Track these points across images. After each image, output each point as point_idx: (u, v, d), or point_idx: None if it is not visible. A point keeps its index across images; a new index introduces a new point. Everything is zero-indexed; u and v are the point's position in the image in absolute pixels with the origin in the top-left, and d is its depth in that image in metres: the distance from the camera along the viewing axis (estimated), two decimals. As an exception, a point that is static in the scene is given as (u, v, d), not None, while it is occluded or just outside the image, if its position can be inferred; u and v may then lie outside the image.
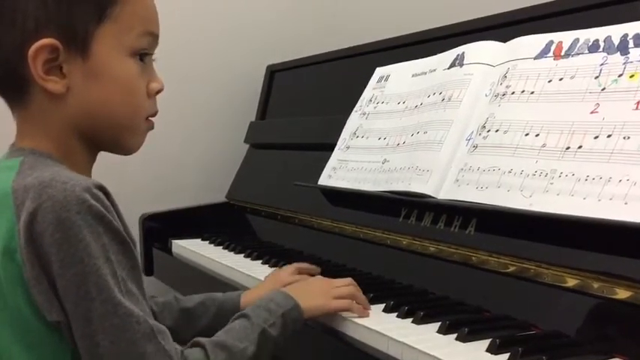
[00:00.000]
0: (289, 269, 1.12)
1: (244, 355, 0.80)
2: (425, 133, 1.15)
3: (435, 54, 1.24)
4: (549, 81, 0.97)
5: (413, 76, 1.28)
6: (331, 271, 1.19)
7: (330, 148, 1.39)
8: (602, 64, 0.91)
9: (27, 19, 0.74)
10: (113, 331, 0.69)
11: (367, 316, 0.94)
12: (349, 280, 1.00)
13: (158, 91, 0.83)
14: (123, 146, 0.82)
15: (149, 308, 0.75)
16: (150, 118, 0.83)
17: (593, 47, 0.93)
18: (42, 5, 0.73)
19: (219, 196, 1.82)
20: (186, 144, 1.92)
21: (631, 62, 0.87)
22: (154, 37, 0.81)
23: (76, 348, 0.71)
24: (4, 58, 0.75)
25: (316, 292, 0.94)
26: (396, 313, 0.94)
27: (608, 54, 0.91)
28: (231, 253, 1.44)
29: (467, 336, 0.83)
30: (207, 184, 1.91)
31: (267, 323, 0.84)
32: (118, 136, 0.81)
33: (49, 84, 0.75)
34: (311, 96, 1.74)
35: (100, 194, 0.71)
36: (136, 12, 0.78)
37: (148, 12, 0.81)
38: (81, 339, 0.70)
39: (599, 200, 0.82)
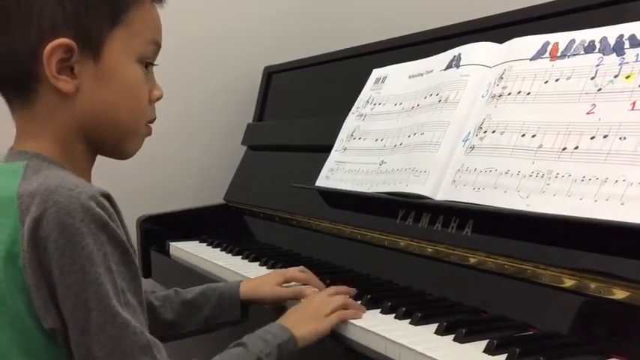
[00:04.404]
0: (296, 268, 1.12)
1: None
2: (422, 134, 1.15)
3: (432, 55, 1.24)
4: (545, 82, 0.97)
5: (410, 77, 1.28)
6: (329, 273, 1.19)
7: (328, 149, 1.39)
8: (598, 65, 0.91)
9: (44, 19, 0.74)
10: (109, 341, 0.69)
11: (360, 317, 0.94)
12: (335, 288, 1.01)
13: (158, 99, 0.85)
14: (122, 150, 0.83)
15: (146, 320, 0.75)
16: (148, 124, 0.84)
17: (589, 48, 0.93)
18: (59, 6, 0.75)
19: (216, 197, 1.82)
20: (184, 146, 1.92)
21: (627, 63, 0.88)
22: (158, 46, 0.83)
23: (70, 356, 0.71)
24: (16, 56, 0.76)
25: (309, 316, 0.94)
26: (393, 315, 0.94)
27: (604, 55, 0.91)
28: (229, 255, 1.44)
29: (464, 337, 0.83)
30: (205, 186, 1.91)
31: (263, 353, 0.84)
32: (120, 139, 0.82)
33: (60, 83, 0.75)
34: (308, 97, 1.74)
35: (106, 202, 0.71)
36: (146, 20, 0.81)
37: (156, 22, 0.83)
38: (77, 347, 0.69)
39: (596, 201, 0.82)
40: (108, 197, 0.72)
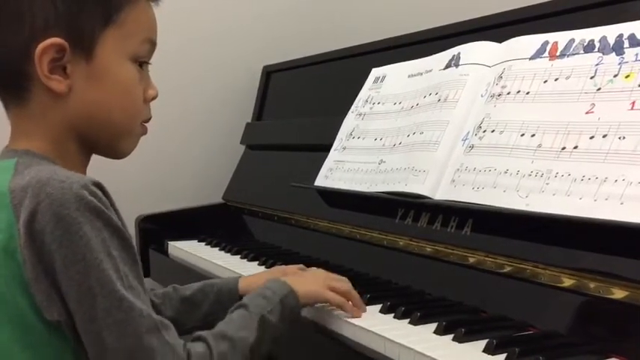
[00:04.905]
0: (295, 266, 1.12)
1: (246, 342, 0.80)
2: (421, 133, 1.15)
3: (431, 54, 1.24)
4: (545, 81, 0.97)
5: (409, 76, 1.28)
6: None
7: (327, 148, 1.39)
8: (597, 65, 0.91)
9: (36, 19, 0.75)
10: (117, 325, 0.69)
11: (360, 316, 0.94)
12: (345, 278, 1.00)
13: (153, 98, 0.85)
14: (117, 149, 0.83)
15: (150, 303, 0.75)
16: (144, 124, 0.84)
17: (589, 47, 0.93)
18: (51, 6, 0.75)
19: (215, 197, 1.81)
20: (183, 145, 1.92)
21: (626, 62, 0.88)
22: (153, 46, 0.83)
23: (78, 346, 0.71)
24: (9, 55, 0.76)
25: (312, 280, 0.95)
26: (392, 314, 0.94)
27: (603, 54, 0.91)
28: (228, 254, 1.44)
29: (464, 336, 0.83)
30: (204, 186, 1.91)
31: (266, 310, 0.84)
32: (114, 138, 0.82)
33: (52, 83, 0.76)
34: (307, 97, 1.74)
35: (98, 191, 0.72)
36: (140, 19, 0.81)
37: (150, 21, 0.83)
38: (86, 335, 0.70)
39: (595, 200, 0.82)
40: (100, 186, 0.73)
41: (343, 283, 0.97)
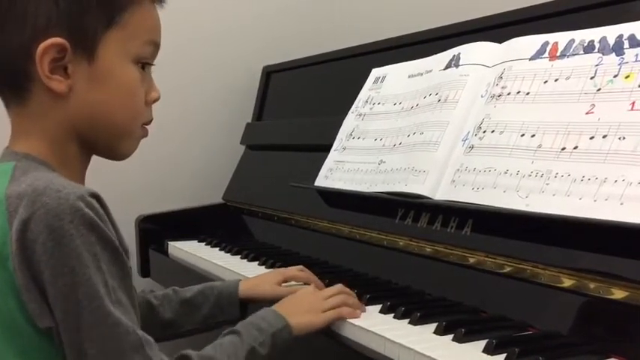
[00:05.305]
0: (296, 267, 1.12)
1: None
2: (421, 133, 1.15)
3: (431, 55, 1.24)
4: (545, 82, 0.97)
5: (409, 77, 1.28)
6: (328, 272, 1.19)
7: (327, 149, 1.39)
8: (597, 65, 0.91)
9: (38, 18, 0.74)
10: (101, 340, 0.69)
11: (358, 317, 0.94)
12: (339, 287, 0.99)
13: (155, 100, 0.84)
14: (117, 151, 0.83)
15: (138, 318, 0.75)
16: (145, 126, 0.84)
17: (589, 48, 0.93)
18: (54, 5, 0.74)
19: (215, 197, 1.81)
20: (183, 145, 1.92)
21: (626, 63, 0.88)
22: (157, 47, 0.83)
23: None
24: (10, 55, 0.76)
25: (306, 307, 0.94)
26: (392, 314, 0.94)
27: (603, 55, 0.91)
28: (228, 254, 1.44)
29: (464, 337, 0.83)
30: (204, 186, 1.91)
31: (257, 342, 0.84)
32: (114, 140, 0.81)
33: (53, 83, 0.75)
34: (307, 97, 1.74)
35: (94, 202, 0.71)
36: (144, 21, 0.80)
37: (154, 22, 0.82)
38: (69, 347, 0.69)
39: (595, 200, 0.82)
40: (97, 197, 0.72)
41: (336, 297, 0.96)
